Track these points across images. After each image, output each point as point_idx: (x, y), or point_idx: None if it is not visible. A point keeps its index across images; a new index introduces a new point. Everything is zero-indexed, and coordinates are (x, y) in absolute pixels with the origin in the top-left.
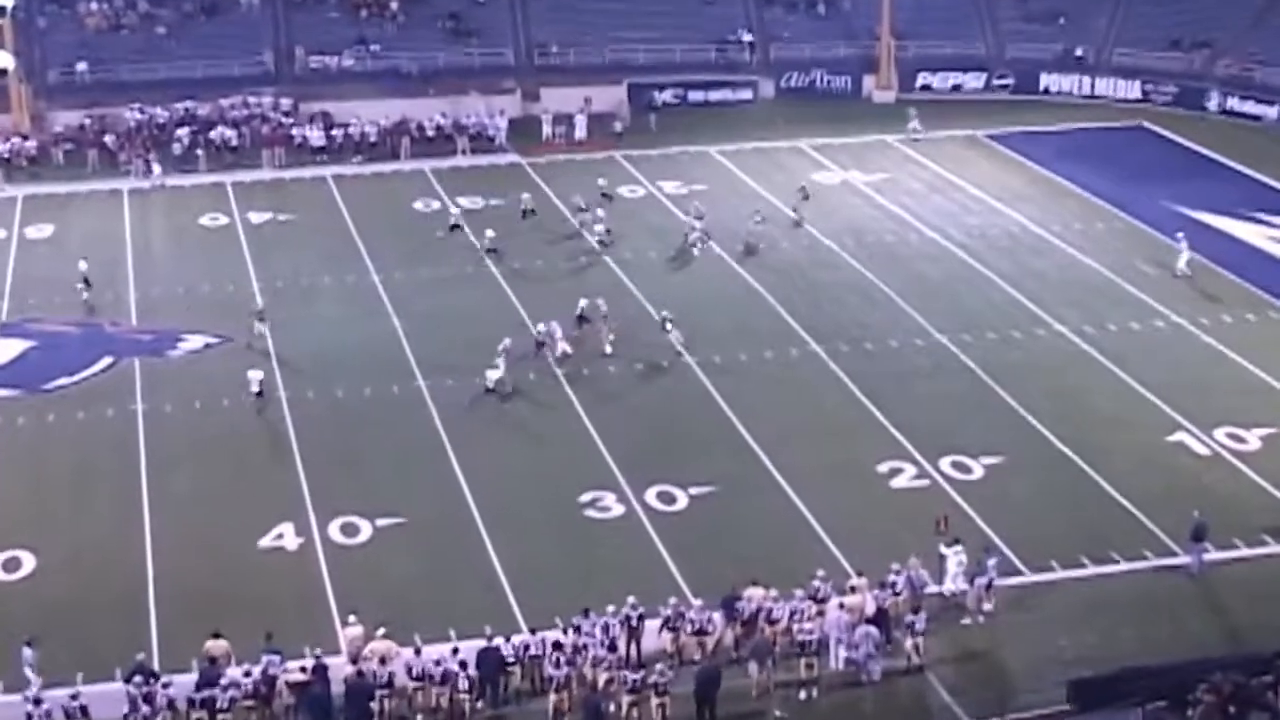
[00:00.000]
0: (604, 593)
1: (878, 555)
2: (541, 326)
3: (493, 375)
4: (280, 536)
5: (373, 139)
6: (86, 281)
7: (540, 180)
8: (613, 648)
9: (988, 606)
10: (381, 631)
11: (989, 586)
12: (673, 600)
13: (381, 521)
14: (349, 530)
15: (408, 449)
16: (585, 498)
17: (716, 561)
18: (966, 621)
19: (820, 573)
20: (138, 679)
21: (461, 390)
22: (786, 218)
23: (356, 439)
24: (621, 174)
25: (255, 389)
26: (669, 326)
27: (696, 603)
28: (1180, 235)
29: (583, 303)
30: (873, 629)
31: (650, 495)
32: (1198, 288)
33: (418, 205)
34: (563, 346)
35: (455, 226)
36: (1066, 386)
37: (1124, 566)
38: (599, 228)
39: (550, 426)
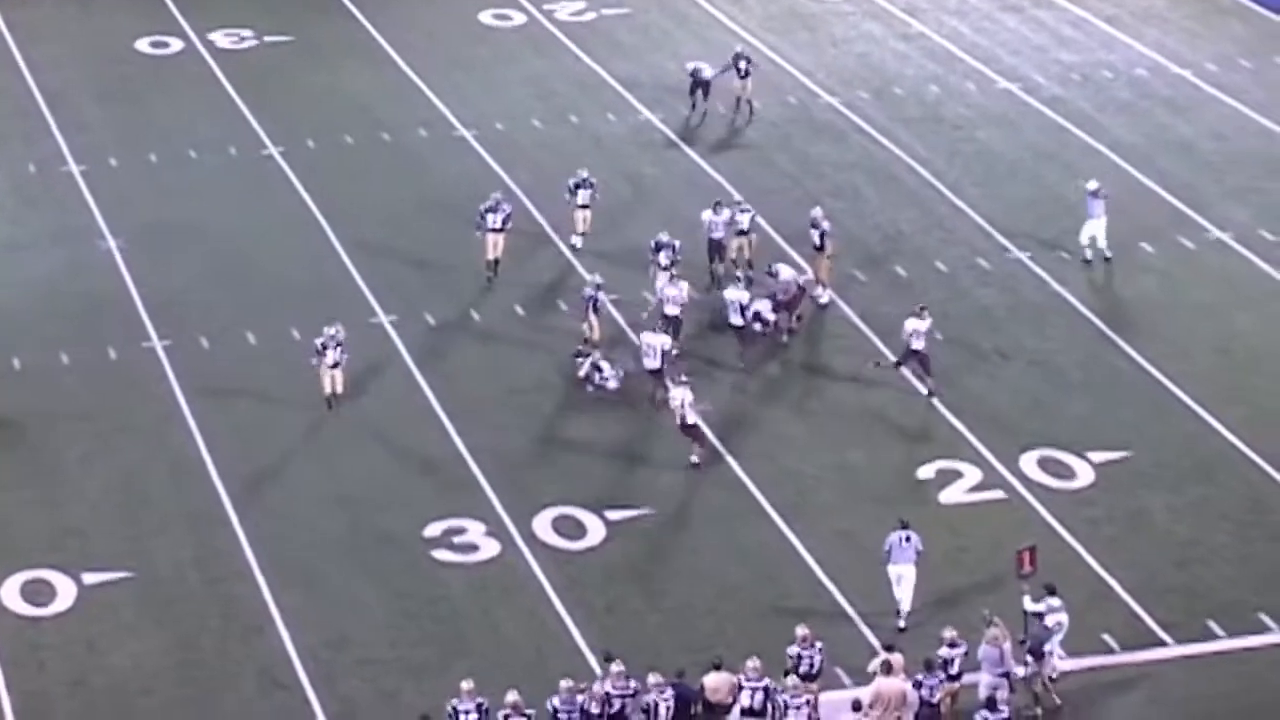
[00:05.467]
0: (466, 681)
1: (919, 616)
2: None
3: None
4: None
5: None
6: None
7: (351, 3)
8: None
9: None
10: None
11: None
12: (580, 695)
13: (92, 577)
14: (35, 593)
15: (134, 454)
16: (434, 530)
17: (651, 631)
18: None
19: (818, 645)
20: None
21: (228, 355)
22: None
23: (45, 439)
24: None
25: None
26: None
27: None
28: (1093, 186)
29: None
30: None
31: (541, 524)
32: None
33: (143, 45)
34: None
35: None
36: (1239, 336)
37: None
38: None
39: (378, 417)
